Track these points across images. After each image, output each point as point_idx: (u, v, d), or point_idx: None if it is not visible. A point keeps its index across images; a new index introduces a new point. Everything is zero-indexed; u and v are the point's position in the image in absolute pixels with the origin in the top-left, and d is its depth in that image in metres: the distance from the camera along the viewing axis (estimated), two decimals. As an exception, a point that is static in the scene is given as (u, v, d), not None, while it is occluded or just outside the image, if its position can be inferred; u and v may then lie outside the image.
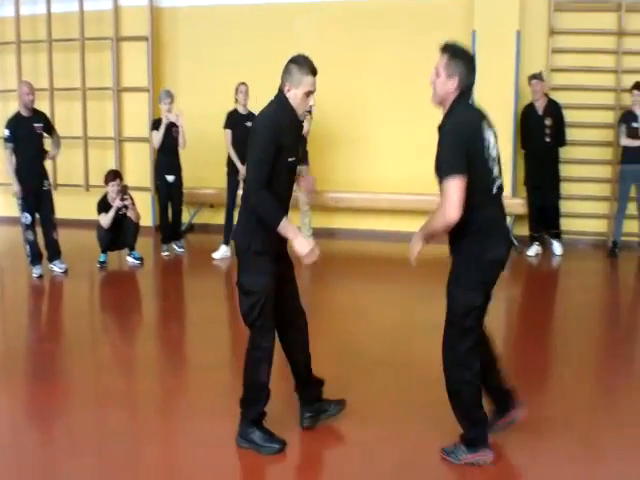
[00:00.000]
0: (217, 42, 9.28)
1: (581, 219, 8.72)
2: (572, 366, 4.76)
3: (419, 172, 8.82)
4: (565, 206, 8.66)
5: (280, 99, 3.45)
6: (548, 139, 7.95)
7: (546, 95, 8.10)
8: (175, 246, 8.16)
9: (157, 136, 7.85)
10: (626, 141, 7.97)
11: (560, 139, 8.09)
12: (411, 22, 8.85)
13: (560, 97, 8.57)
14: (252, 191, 3.34)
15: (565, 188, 8.65)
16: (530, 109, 8.07)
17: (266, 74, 8.98)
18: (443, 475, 3.35)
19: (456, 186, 3.06)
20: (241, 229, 3.46)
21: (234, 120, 7.77)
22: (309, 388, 3.74)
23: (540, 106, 8.02)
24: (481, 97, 8.63)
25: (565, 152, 8.57)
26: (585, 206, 8.74)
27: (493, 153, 3.24)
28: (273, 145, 3.30)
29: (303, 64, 3.43)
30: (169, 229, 8.10)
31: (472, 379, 3.30)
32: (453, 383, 3.33)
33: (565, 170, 8.62)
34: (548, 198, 8.09)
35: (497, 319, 5.88)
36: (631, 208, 8.11)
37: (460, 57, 3.24)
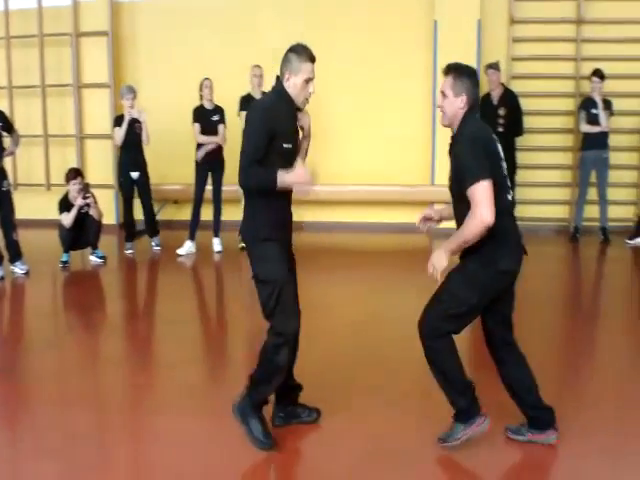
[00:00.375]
0: (178, 36, 9.21)
1: (543, 205, 8.84)
2: (534, 349, 4.82)
3: (386, 163, 8.98)
4: (527, 193, 8.78)
5: (277, 90, 3.47)
6: (501, 129, 7.95)
7: (502, 85, 8.16)
8: (153, 243, 8.10)
9: (119, 133, 7.77)
10: (586, 127, 8.09)
11: (516, 129, 8.13)
12: (374, 12, 8.87)
13: (521, 85, 8.69)
14: (242, 170, 3.32)
15: (527, 175, 8.77)
16: (486, 99, 8.11)
17: (229, 67, 9.11)
18: (418, 460, 3.38)
19: (486, 188, 3.09)
20: (246, 223, 3.46)
21: (201, 115, 7.75)
22: (286, 390, 3.73)
23: (496, 96, 8.07)
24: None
25: (526, 140, 8.69)
26: (547, 193, 8.87)
27: (504, 164, 3.31)
28: (265, 130, 3.31)
29: (301, 52, 3.44)
30: (133, 227, 8.03)
31: (451, 347, 3.33)
32: (433, 354, 3.35)
33: (527, 158, 8.74)
34: None
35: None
36: (592, 193, 8.23)
37: (464, 74, 3.31)
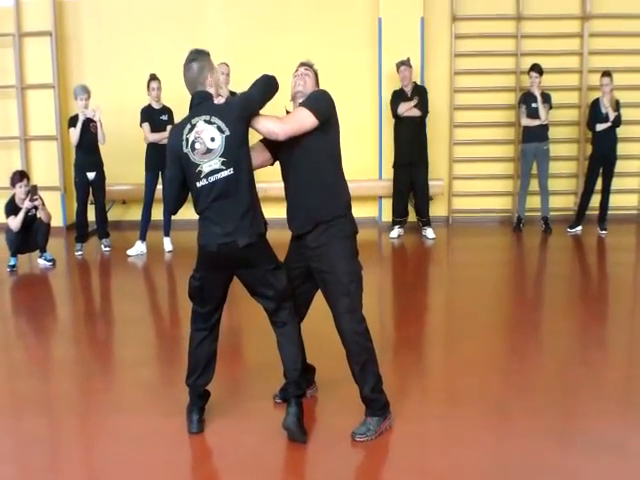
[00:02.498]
0: (124, 34, 9.10)
1: (487, 197, 9.08)
2: (480, 336, 5.00)
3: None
4: (471, 185, 9.02)
5: None
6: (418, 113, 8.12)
7: (414, 82, 8.30)
8: (102, 245, 8.04)
9: (74, 133, 7.69)
10: (526, 121, 8.33)
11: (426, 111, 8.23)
12: (318, 9, 8.94)
13: (463, 81, 8.92)
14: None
15: (470, 168, 9.01)
16: (400, 92, 8.22)
17: (178, 65, 9.02)
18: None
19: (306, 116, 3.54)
20: (248, 224, 3.46)
21: (149, 114, 7.75)
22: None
23: (408, 92, 8.21)
24: (388, 82, 8.91)
25: (469, 134, 8.94)
26: (490, 185, 9.10)
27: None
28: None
29: None
30: (85, 228, 7.95)
31: (371, 344, 3.55)
32: (360, 352, 3.50)
33: (469, 151, 8.99)
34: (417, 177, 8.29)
35: (412, 299, 6.10)
36: (533, 185, 8.49)
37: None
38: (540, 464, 3.29)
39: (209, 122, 3.40)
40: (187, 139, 3.41)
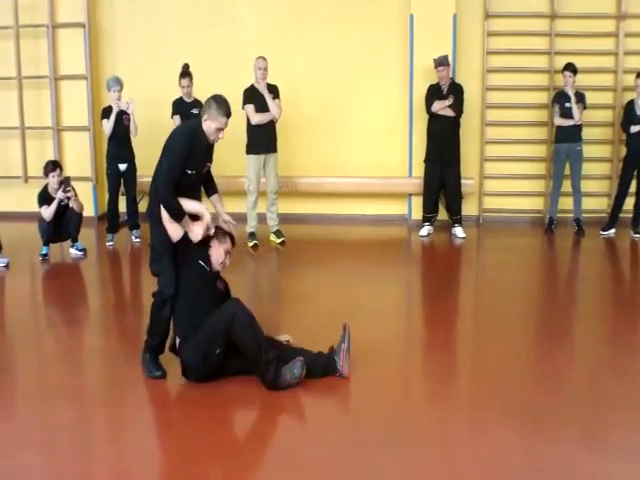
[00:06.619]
0: (156, 27, 9.15)
1: (518, 197, 8.99)
2: (510, 338, 4.96)
3: (364, 156, 9.05)
4: (502, 185, 8.94)
5: (196, 124, 4.32)
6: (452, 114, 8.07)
7: (451, 78, 8.24)
8: (133, 236, 8.09)
9: (108, 125, 7.76)
10: (559, 121, 8.23)
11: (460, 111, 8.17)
12: (350, 5, 8.91)
13: (496, 79, 8.83)
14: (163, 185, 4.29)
15: (502, 167, 8.93)
16: (436, 87, 8.18)
17: (209, 58, 9.11)
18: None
19: None
20: None
21: (180, 107, 7.79)
22: None
23: (444, 88, 8.13)
24: (419, 79, 8.87)
25: (501, 133, 8.85)
26: (522, 185, 9.00)
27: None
28: (186, 153, 4.16)
29: (221, 106, 4.18)
30: (117, 219, 8.03)
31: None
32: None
33: (501, 150, 8.90)
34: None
35: (441, 300, 6.06)
36: (566, 186, 8.39)
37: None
38: (570, 470, 3.25)
39: None
40: None
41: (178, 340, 4.17)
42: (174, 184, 4.13)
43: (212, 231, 4.27)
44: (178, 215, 4.12)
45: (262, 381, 3.93)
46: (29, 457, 3.44)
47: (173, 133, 4.38)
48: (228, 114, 4.21)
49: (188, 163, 4.17)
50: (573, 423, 3.68)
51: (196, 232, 4.18)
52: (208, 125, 4.18)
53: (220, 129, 4.21)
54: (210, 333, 3.96)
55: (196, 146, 4.21)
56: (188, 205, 4.20)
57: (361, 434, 3.59)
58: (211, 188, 4.62)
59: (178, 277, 4.21)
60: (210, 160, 4.49)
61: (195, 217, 4.24)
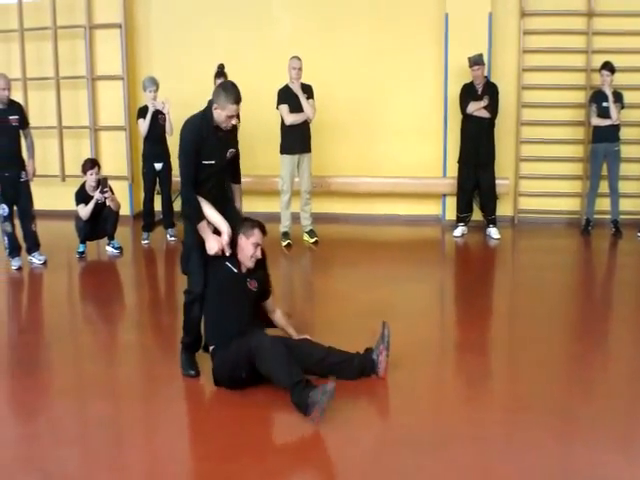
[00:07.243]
0: (192, 27, 9.23)
1: (554, 198, 8.87)
2: (547, 340, 4.90)
3: (399, 156, 9.02)
4: (538, 185, 8.83)
5: (205, 112, 4.28)
6: (486, 115, 8.00)
7: (486, 77, 8.16)
8: (168, 234, 8.18)
9: (144, 124, 7.87)
10: (596, 120, 8.11)
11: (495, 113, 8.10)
12: (384, 4, 8.88)
13: (532, 78, 8.73)
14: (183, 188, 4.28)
15: (538, 168, 8.82)
16: (470, 87, 8.10)
17: (244, 58, 9.15)
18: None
19: None
20: None
21: None
22: None
23: (479, 88, 8.05)
24: (454, 79, 8.80)
25: (537, 132, 8.74)
26: (558, 185, 8.88)
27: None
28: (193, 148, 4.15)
29: (230, 93, 4.12)
30: (152, 217, 8.11)
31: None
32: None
33: (537, 150, 8.79)
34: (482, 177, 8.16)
35: (476, 301, 6.02)
36: (603, 186, 8.27)
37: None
38: (605, 475, 3.21)
39: None
40: None
41: (211, 348, 4.21)
42: (191, 180, 4.11)
43: (228, 253, 4.19)
44: (193, 216, 4.13)
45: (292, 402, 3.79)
46: (64, 452, 3.49)
47: (180, 131, 4.32)
48: (237, 101, 4.12)
49: (201, 155, 4.13)
50: (609, 428, 3.62)
51: (210, 245, 4.14)
52: (219, 113, 4.12)
53: (231, 116, 4.13)
54: (234, 361, 3.94)
55: (204, 137, 4.15)
56: (212, 215, 4.16)
57: (396, 435, 3.58)
58: (235, 177, 4.54)
59: (207, 277, 4.21)
60: (233, 146, 4.40)
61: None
